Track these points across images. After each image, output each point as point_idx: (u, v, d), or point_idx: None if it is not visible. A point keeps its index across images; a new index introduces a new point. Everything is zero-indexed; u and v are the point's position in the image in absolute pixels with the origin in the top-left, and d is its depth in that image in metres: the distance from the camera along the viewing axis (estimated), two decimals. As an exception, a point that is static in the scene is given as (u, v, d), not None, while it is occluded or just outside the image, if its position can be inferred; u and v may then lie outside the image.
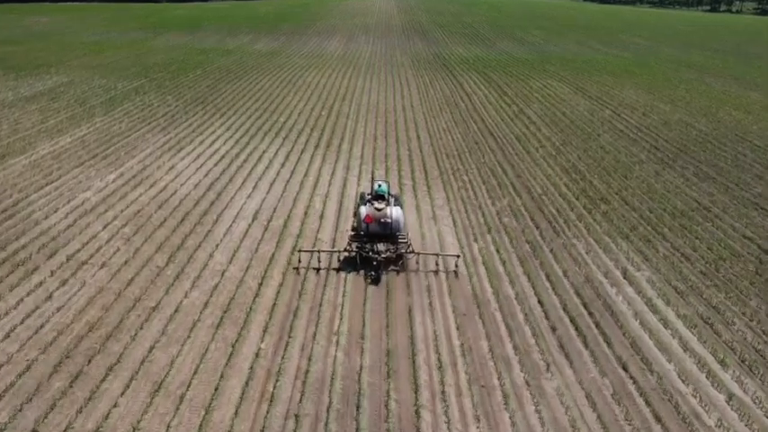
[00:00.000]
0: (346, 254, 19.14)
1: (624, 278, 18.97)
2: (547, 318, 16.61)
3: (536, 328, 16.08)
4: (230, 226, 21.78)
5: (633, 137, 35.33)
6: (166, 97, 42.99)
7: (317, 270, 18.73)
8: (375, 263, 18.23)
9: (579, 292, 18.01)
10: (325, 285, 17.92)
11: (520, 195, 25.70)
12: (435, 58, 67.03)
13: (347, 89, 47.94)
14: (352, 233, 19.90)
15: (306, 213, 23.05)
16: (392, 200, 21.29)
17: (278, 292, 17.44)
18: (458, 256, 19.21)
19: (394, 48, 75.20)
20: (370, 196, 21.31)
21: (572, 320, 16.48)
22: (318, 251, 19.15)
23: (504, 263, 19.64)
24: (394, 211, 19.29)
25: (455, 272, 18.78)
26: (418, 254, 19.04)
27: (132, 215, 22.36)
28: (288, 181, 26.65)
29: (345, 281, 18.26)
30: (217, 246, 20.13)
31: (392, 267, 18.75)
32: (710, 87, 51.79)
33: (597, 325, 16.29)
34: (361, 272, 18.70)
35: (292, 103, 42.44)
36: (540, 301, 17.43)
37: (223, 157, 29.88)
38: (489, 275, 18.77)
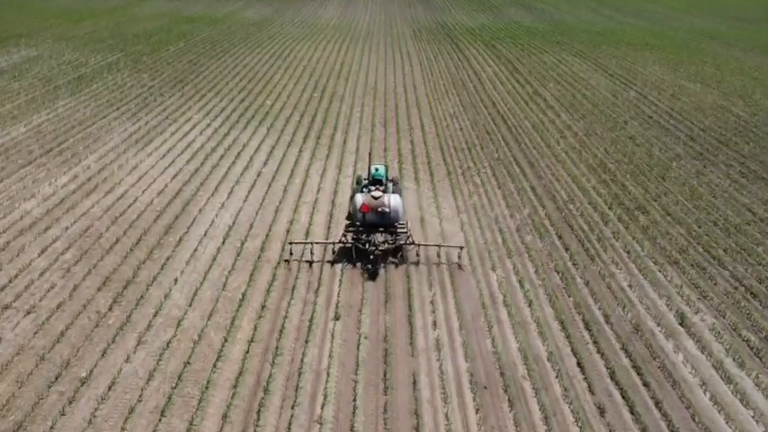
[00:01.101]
0: (341, 245, 17.51)
1: (681, 325, 15.23)
2: (591, 391, 12.92)
3: (579, 409, 12.39)
4: (196, 249, 17.94)
5: (665, 125, 31.23)
6: (142, 75, 38.62)
7: (310, 264, 17.23)
8: (372, 256, 16.74)
9: (628, 349, 14.29)
10: (307, 340, 14.17)
11: (543, 204, 21.80)
12: (439, 27, 62.21)
13: (342, 65, 43.52)
14: (348, 222, 18.64)
15: (288, 231, 19.18)
16: (390, 185, 19.81)
17: (246, 351, 13.70)
18: (461, 248, 17.66)
19: (394, 16, 70.23)
20: (366, 180, 19.83)
21: (624, 396, 12.78)
22: (312, 243, 17.62)
23: (530, 303, 15.88)
24: (392, 200, 17.78)
25: (458, 264, 17.30)
26: (419, 245, 17.53)
27: (78, 234, 18.49)
28: (270, 185, 22.70)
29: (334, 330, 14.55)
30: (176, 280, 16.32)
31: (391, 260, 17.33)
32: (741, 63, 47.35)
33: (657, 404, 12.59)
34: (356, 322, 15.04)
35: (281, 82, 38.14)
36: (579, 364, 13.72)
37: (197, 152, 25.85)
38: (513, 323, 15.02)
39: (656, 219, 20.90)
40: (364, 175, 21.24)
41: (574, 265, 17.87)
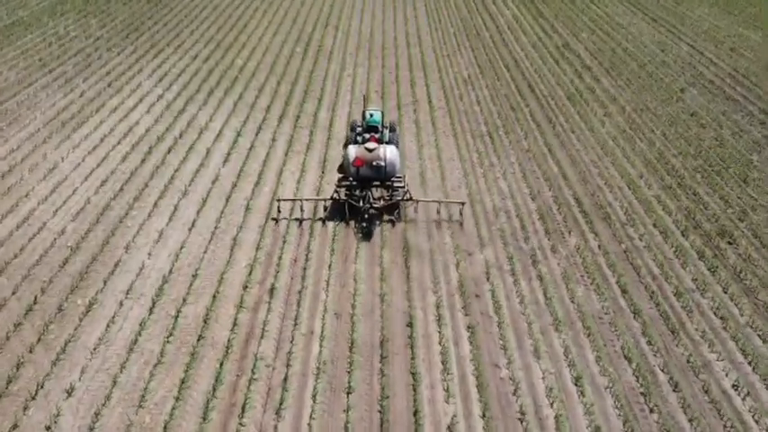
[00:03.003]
0: (332, 201, 16.32)
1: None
2: None
3: None
4: (111, 322, 12.54)
5: (730, 93, 25.07)
6: (90, 22, 31.99)
7: (300, 222, 15.93)
8: (367, 215, 15.55)
9: None
10: None
11: (593, 227, 16.23)
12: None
13: (332, 6, 36.58)
14: (340, 175, 17.47)
15: (247, 285, 13.75)
16: (387, 132, 18.31)
17: None
18: (463, 204, 16.27)
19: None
20: (360, 128, 18.48)
21: None
22: (301, 200, 16.24)
23: (596, 431, 10.66)
24: (388, 152, 16.31)
25: (459, 222, 16.01)
26: (417, 201, 16.37)
27: (-53, 295, 13.10)
28: (228, 198, 17.03)
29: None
30: (71, 390, 11.01)
31: (387, 217, 16.17)
32: (803, 2, 40.27)
33: None
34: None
35: (258, 32, 31.53)
36: None
37: (139, 141, 19.97)
38: (576, 478, 9.88)
39: (749, 253, 15.39)
40: (359, 120, 19.46)
41: (650, 344, 12.53)
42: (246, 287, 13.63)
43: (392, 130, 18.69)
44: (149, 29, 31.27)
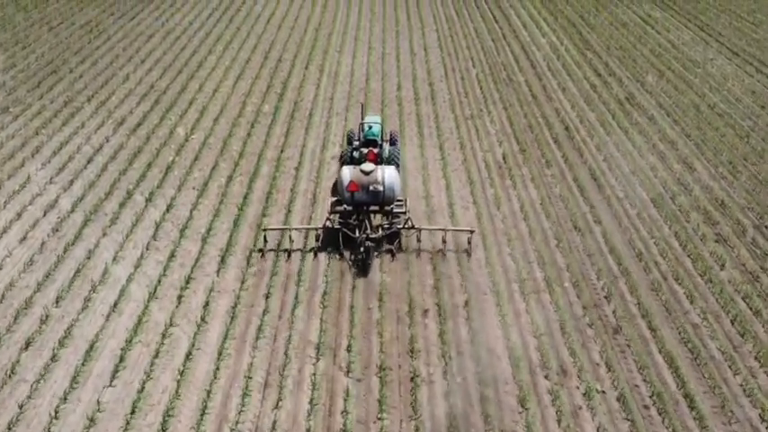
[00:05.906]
0: (324, 229, 14.49)
1: None
2: None
3: None
4: None
5: None
6: (-5, 59, 24.24)
7: (288, 254, 14.07)
8: (362, 248, 13.67)
9: None
10: None
11: None
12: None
13: (317, 33, 28.58)
14: (333, 200, 15.18)
15: None
16: (386, 146, 16.40)
17: None
18: (472, 231, 14.40)
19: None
20: (357, 142, 16.55)
21: None
22: (289, 229, 14.57)
23: None
24: (387, 175, 14.28)
25: (467, 251, 14.09)
26: (420, 229, 14.49)
27: None
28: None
29: None
30: None
31: (386, 246, 14.23)
32: None
33: None
34: None
35: (215, 76, 23.64)
36: None
37: (-15, 318, 12.36)
38: None
39: None
40: (356, 131, 17.57)
41: None
42: None
43: (393, 143, 17.10)
44: (72, 71, 23.49)
